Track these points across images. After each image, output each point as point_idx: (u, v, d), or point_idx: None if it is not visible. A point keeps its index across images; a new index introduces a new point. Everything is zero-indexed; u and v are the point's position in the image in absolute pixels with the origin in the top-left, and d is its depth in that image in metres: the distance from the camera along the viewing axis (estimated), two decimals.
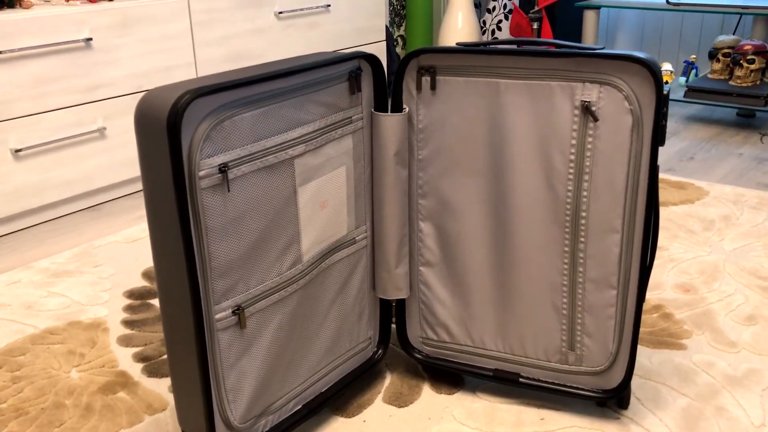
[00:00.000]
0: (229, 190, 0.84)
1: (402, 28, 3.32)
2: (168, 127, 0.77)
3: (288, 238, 0.94)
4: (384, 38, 2.70)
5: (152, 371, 1.22)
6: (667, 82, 2.67)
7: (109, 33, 1.88)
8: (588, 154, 0.96)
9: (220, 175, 0.83)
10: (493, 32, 3.31)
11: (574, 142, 0.96)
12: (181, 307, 0.86)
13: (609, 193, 0.97)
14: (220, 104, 0.82)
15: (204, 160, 0.81)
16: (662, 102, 0.91)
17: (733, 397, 1.10)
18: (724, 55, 2.56)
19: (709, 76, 2.63)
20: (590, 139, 0.96)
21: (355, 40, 2.59)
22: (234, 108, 0.83)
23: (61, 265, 1.63)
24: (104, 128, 1.93)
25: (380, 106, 1.04)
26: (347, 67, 0.98)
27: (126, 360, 1.25)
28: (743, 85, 2.47)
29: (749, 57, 2.45)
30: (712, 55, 2.59)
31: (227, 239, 0.86)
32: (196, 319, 0.85)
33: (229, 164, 0.84)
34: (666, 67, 2.70)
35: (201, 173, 0.81)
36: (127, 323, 1.37)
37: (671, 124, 2.58)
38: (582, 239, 1.00)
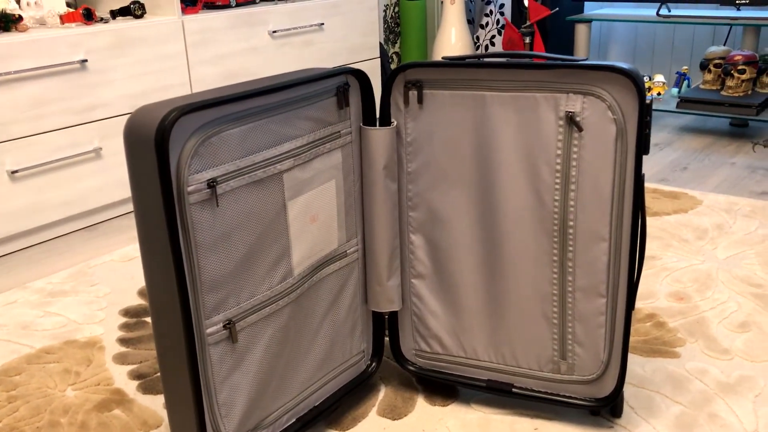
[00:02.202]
0: (218, 205, 0.85)
1: (396, 45, 3.35)
2: (156, 144, 0.78)
3: (278, 252, 0.95)
4: (378, 55, 2.73)
5: (147, 388, 1.22)
6: (659, 93, 2.69)
7: (104, 54, 1.90)
8: (574, 163, 0.97)
9: (208, 190, 0.84)
10: (486, 47, 3.34)
11: (559, 152, 0.98)
12: (172, 322, 0.86)
13: (596, 202, 0.98)
14: (207, 120, 0.83)
15: (192, 175, 0.82)
16: (645, 111, 0.92)
17: (726, 404, 1.10)
18: (716, 65, 2.58)
19: (701, 86, 2.65)
20: (575, 149, 0.97)
21: (349, 58, 2.61)
22: (222, 124, 0.85)
23: (57, 285, 1.64)
24: (100, 149, 1.94)
25: (368, 120, 1.06)
26: (335, 83, 1.00)
27: (121, 377, 1.26)
28: (735, 95, 2.49)
29: (740, 67, 2.47)
30: (704, 66, 2.62)
31: (217, 254, 0.87)
32: (186, 333, 0.86)
33: (218, 179, 0.85)
34: (658, 78, 2.72)
35: (190, 188, 0.82)
36: (122, 341, 1.38)
37: (664, 135, 2.59)
38: (570, 248, 1.01)
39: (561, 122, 0.97)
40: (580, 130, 0.96)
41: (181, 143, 0.81)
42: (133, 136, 0.81)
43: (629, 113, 0.94)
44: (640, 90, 0.91)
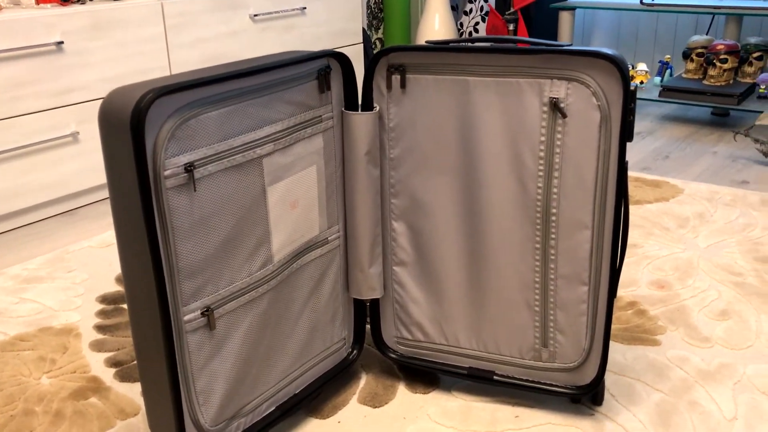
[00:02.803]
0: (195, 190, 0.83)
1: (380, 31, 3.32)
2: (131, 127, 0.76)
3: (258, 238, 0.94)
4: (361, 41, 2.70)
5: (125, 376, 1.20)
6: (642, 82, 2.69)
7: (81, 36, 1.86)
8: (557, 150, 0.96)
9: (186, 174, 0.82)
10: (470, 34, 3.32)
11: (543, 138, 0.97)
12: (149, 309, 0.85)
13: (579, 190, 0.97)
14: (185, 103, 0.81)
15: (169, 159, 0.80)
16: (629, 98, 0.91)
17: (706, 392, 1.10)
18: (698, 54, 2.58)
19: (684, 75, 2.65)
20: (559, 136, 0.96)
21: (331, 43, 2.58)
22: (199, 106, 0.83)
23: (33, 271, 1.61)
24: (77, 132, 1.91)
25: (350, 104, 1.04)
26: (316, 66, 0.98)
27: (98, 365, 1.24)
28: (717, 84, 2.50)
29: (722, 56, 2.47)
30: (686, 55, 2.62)
31: (195, 239, 0.85)
32: (163, 320, 0.84)
33: (195, 163, 0.83)
34: (641, 67, 2.72)
35: (166, 173, 0.80)
36: (99, 328, 1.36)
37: (647, 124, 2.60)
38: (553, 236, 1.00)
39: (545, 108, 0.96)
40: (564, 116, 0.95)
41: (157, 126, 0.79)
42: (107, 118, 0.79)
43: (613, 100, 0.93)
44: (625, 76, 0.91)
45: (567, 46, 0.94)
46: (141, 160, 0.77)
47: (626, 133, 0.93)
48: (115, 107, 0.78)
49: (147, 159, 0.78)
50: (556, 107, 0.95)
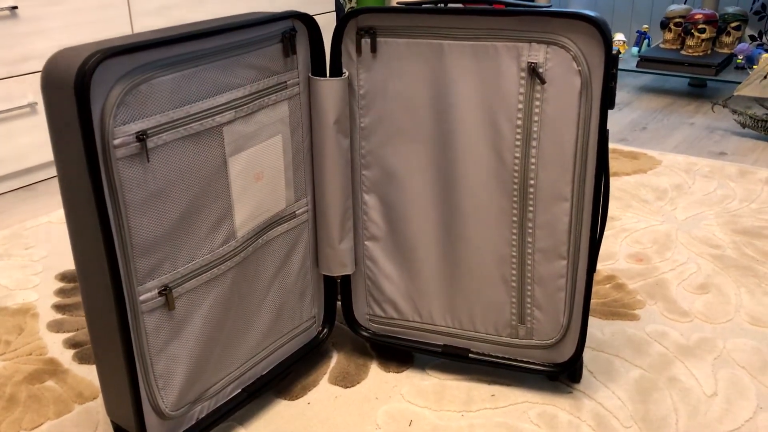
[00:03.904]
0: (148, 161, 0.77)
1: (353, 1, 3.23)
2: (76, 91, 0.70)
3: (219, 212, 0.88)
4: (334, 9, 2.62)
5: (83, 358, 1.15)
6: (620, 52, 2.65)
7: (37, 1, 1.76)
8: (535, 119, 0.92)
9: (137, 143, 0.76)
10: None
11: (521, 106, 0.92)
12: (101, 289, 0.79)
13: (558, 160, 0.92)
14: (135, 66, 0.75)
15: (118, 127, 0.74)
16: (611, 63, 0.87)
17: (685, 367, 1.08)
18: (676, 24, 2.55)
19: (662, 45, 2.61)
20: (537, 103, 0.91)
21: (303, 10, 2.50)
22: (151, 70, 0.76)
23: None
24: (35, 103, 1.82)
25: (318, 70, 0.98)
26: (279, 28, 0.91)
27: (56, 346, 1.18)
28: (695, 54, 2.47)
29: (700, 26, 2.44)
30: (664, 25, 2.58)
31: (149, 214, 0.79)
32: (117, 301, 0.78)
33: (148, 132, 0.77)
34: (618, 37, 2.68)
35: (116, 142, 0.74)
36: (58, 308, 1.29)
37: (624, 95, 2.56)
38: (531, 208, 0.96)
39: (522, 74, 0.91)
40: (543, 82, 0.90)
41: (105, 91, 0.73)
42: (50, 82, 0.72)
43: (595, 65, 0.88)
44: (607, 39, 0.86)
45: (546, 7, 0.88)
46: (87, 127, 0.71)
47: (608, 100, 0.88)
48: (58, 70, 0.72)
49: (94, 127, 0.72)
50: (534, 72, 0.90)
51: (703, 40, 2.45)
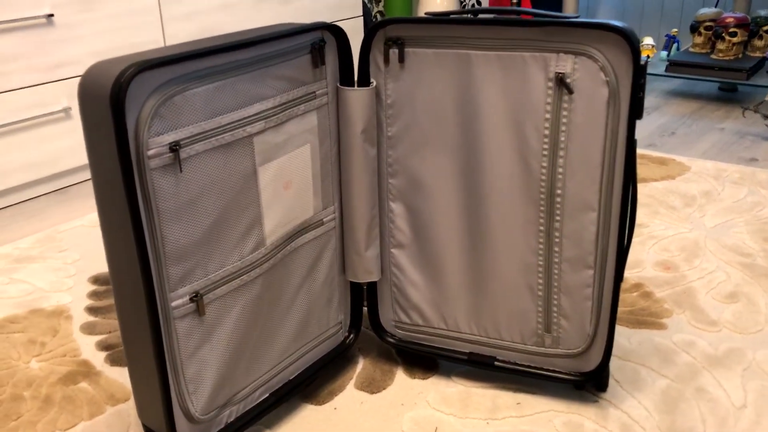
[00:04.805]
0: (181, 171, 0.79)
1: (381, 4, 3.25)
2: (111, 103, 0.72)
3: (249, 220, 0.90)
4: (361, 14, 2.64)
5: (116, 360, 1.17)
6: (648, 57, 2.63)
7: (72, 9, 1.80)
8: (563, 128, 0.92)
9: (171, 154, 0.78)
10: (473, 6, 3.25)
11: (548, 116, 0.92)
12: (134, 296, 0.81)
13: (585, 169, 0.93)
14: (169, 78, 0.77)
15: (153, 138, 0.76)
16: (639, 73, 0.87)
17: (713, 378, 1.07)
18: (706, 28, 2.52)
19: (691, 49, 2.59)
20: (565, 113, 0.91)
21: (330, 16, 2.52)
22: (185, 82, 0.78)
23: (24, 250, 1.58)
24: (69, 108, 1.86)
25: (346, 80, 0.99)
26: (309, 39, 0.93)
27: (89, 348, 1.20)
28: (725, 58, 2.44)
29: (731, 30, 2.41)
30: (694, 29, 2.55)
31: (182, 222, 0.81)
32: (150, 307, 0.80)
33: (181, 143, 0.78)
34: (647, 41, 2.65)
35: (150, 152, 0.76)
36: (91, 310, 1.32)
37: (652, 99, 2.54)
38: (557, 218, 0.96)
39: (550, 84, 0.91)
40: (571, 92, 0.90)
41: (139, 103, 0.75)
42: (87, 95, 0.74)
43: (622, 75, 0.88)
44: (635, 50, 0.86)
45: (574, 17, 0.89)
46: (122, 139, 0.73)
47: (635, 111, 0.88)
48: (94, 83, 0.74)
49: (129, 138, 0.74)
50: (562, 83, 0.90)
51: (734, 44, 2.42)
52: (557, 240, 0.97)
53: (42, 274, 1.47)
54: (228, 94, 0.83)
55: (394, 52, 0.98)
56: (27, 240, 1.63)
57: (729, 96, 2.54)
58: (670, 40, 2.68)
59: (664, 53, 2.68)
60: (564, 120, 0.91)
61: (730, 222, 1.57)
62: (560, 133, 0.92)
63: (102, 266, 1.49)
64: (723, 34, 2.42)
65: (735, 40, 2.41)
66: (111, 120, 0.72)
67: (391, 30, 0.97)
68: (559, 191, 0.95)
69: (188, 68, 0.78)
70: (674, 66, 2.45)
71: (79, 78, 1.87)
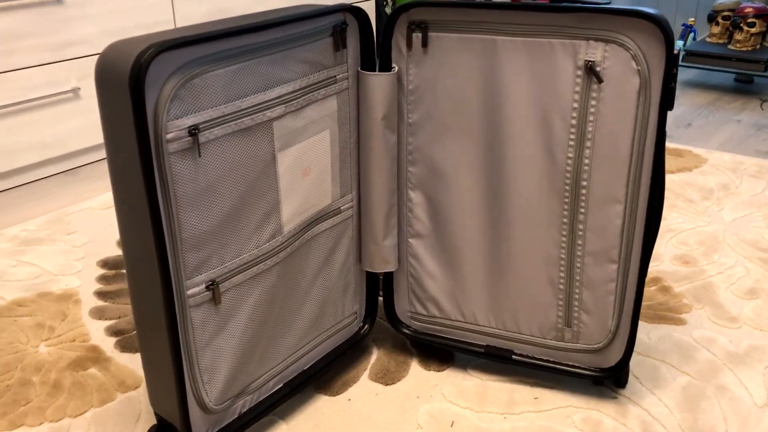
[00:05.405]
0: (200, 155, 0.77)
1: None
2: (130, 85, 0.69)
3: (267, 207, 0.87)
4: None
5: (126, 346, 1.15)
6: (680, 51, 2.59)
7: None
8: (591, 118, 0.89)
9: (189, 138, 0.75)
10: None
11: (576, 105, 0.89)
12: (150, 283, 0.79)
13: (612, 161, 0.90)
14: (189, 60, 0.74)
15: (171, 121, 0.73)
16: (672, 62, 0.84)
17: (735, 375, 1.05)
18: (724, 18, 2.48)
19: (708, 39, 2.55)
20: (593, 103, 0.88)
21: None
22: (205, 64, 0.75)
23: (32, 232, 1.56)
24: (78, 88, 1.83)
25: (367, 64, 0.96)
26: (331, 21, 0.90)
27: (98, 333, 1.19)
28: (743, 49, 2.40)
29: (750, 20, 2.37)
30: (712, 18, 2.51)
31: (199, 209, 0.79)
32: (165, 295, 0.78)
33: (200, 126, 0.76)
34: None
35: (168, 136, 0.73)
36: (100, 294, 1.30)
37: None
38: (582, 210, 0.94)
39: (579, 72, 0.88)
40: (600, 81, 0.87)
41: (158, 85, 0.72)
42: (104, 76, 0.72)
43: (654, 64, 0.85)
44: (669, 38, 0.83)
45: (605, 3, 0.85)
46: (141, 122, 0.71)
47: (667, 101, 0.85)
48: (112, 63, 0.71)
49: (147, 121, 0.71)
50: (591, 71, 0.87)
51: (752, 35, 2.38)
52: (581, 233, 0.95)
53: (50, 256, 1.45)
54: (248, 77, 0.80)
55: (417, 36, 0.95)
56: (35, 222, 1.61)
57: (745, 87, 2.50)
58: (687, 30, 2.64)
59: (680, 43, 2.64)
60: (592, 110, 0.89)
61: (749, 216, 1.54)
62: (588, 124, 0.90)
63: (111, 250, 1.47)
64: (741, 25, 2.38)
65: (753, 30, 2.37)
66: (130, 102, 0.70)
67: (414, 13, 0.94)
68: (584, 183, 0.92)
69: (208, 50, 0.76)
70: (691, 56, 2.42)
71: (88, 57, 1.84)
